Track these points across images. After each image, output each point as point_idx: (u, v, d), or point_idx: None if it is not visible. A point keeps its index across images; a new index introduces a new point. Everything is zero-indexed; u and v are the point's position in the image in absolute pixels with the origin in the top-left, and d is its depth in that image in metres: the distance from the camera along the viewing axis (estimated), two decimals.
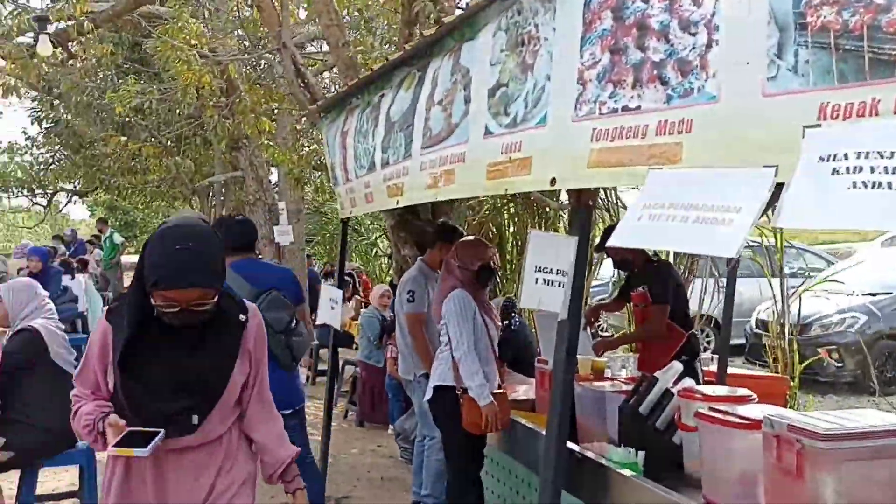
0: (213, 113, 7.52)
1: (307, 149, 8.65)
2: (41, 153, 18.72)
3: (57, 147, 18.31)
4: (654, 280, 4.67)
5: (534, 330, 5.51)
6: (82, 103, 8.27)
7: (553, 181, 2.23)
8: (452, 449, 4.00)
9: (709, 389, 3.07)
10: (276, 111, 8.74)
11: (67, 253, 14.62)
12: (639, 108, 1.94)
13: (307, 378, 9.68)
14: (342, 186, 4.54)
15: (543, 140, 2.27)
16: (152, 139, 10.32)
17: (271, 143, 7.90)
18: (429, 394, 4.01)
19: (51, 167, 18.41)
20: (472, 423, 3.72)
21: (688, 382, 3.35)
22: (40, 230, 34.50)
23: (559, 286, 2.51)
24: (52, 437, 3.84)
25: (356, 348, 9.17)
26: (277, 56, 6.35)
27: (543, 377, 4.92)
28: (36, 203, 20.40)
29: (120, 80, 8.33)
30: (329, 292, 4.93)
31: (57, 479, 4.82)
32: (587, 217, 2.47)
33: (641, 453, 3.09)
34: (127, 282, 19.44)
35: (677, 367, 3.43)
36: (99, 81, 8.47)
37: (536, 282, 2.65)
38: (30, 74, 6.39)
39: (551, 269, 2.67)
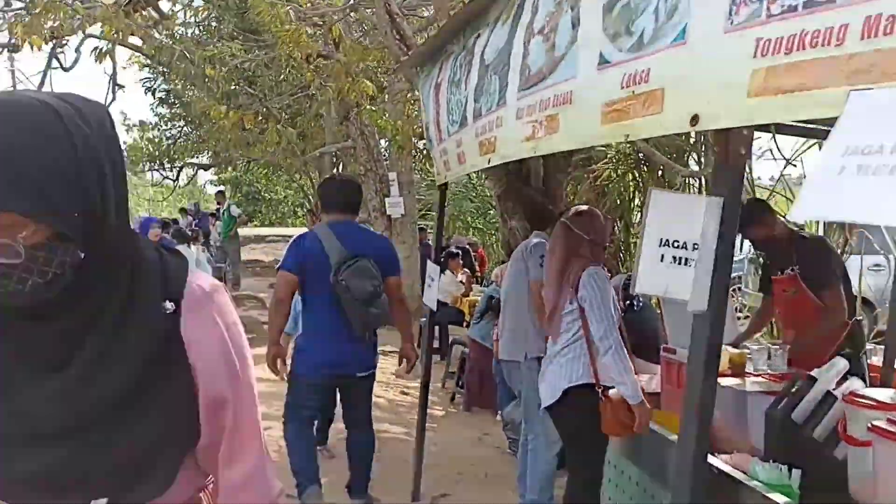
0: (312, 77, 7.11)
1: (415, 115, 8.13)
2: (167, 129, 19.27)
3: (182, 124, 18.81)
4: (809, 258, 3.87)
5: (659, 312, 4.81)
6: (187, 72, 8.07)
7: (695, 120, 1.58)
8: (582, 455, 3.40)
9: (884, 394, 2.35)
10: (382, 74, 8.26)
11: (195, 224, 14.96)
12: (833, 0, 1.27)
13: (417, 356, 9.32)
14: (436, 148, 3.99)
15: (681, 63, 1.62)
16: (263, 109, 10.11)
17: (374, 109, 7.42)
18: (555, 394, 3.35)
19: (178, 141, 18.88)
20: (617, 426, 3.13)
21: (855, 383, 2.63)
22: (176, 202, 36.15)
23: (692, 265, 1.83)
24: None
25: (467, 326, 8.71)
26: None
27: (671, 369, 4.23)
28: (167, 177, 21.07)
29: (224, 48, 8.10)
30: (430, 268, 4.42)
31: None
32: (738, 172, 1.79)
33: (796, 472, 2.41)
34: (245, 254, 19.85)
35: (841, 364, 2.73)
36: (203, 49, 8.27)
37: (662, 259, 1.94)
38: (122, 35, 6.17)
39: (682, 244, 1.95)
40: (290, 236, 26.60)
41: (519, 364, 4.23)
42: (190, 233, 11.63)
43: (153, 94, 10.03)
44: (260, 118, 10.42)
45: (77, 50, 10.04)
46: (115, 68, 11.63)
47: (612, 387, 3.18)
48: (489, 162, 3.04)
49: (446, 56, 3.58)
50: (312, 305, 3.88)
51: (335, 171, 12.82)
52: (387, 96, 8.92)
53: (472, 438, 5.89)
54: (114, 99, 11.61)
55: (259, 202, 31.93)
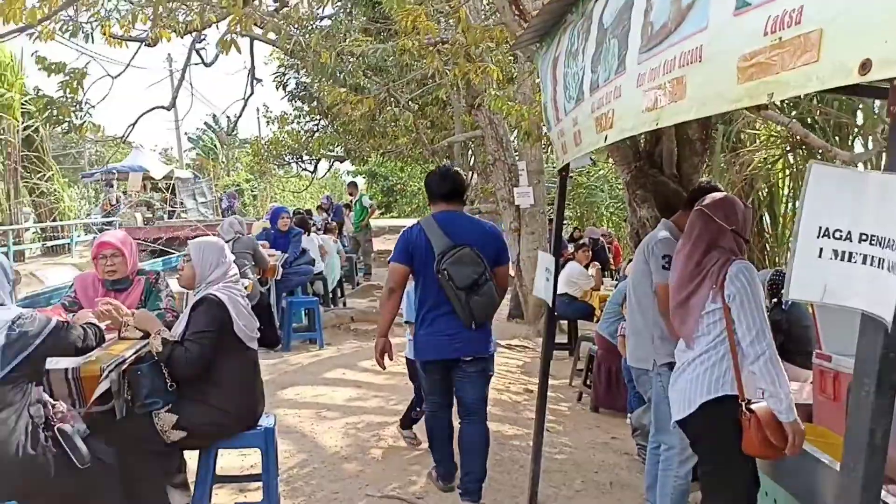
0: (432, 59, 6.91)
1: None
2: (305, 123, 19.81)
3: (318, 117, 19.27)
4: None
5: (811, 311, 4.25)
6: (316, 65, 8.10)
7: (865, 67, 1.19)
8: (721, 476, 2.93)
9: None
10: (510, 62, 7.94)
11: (329, 218, 15.29)
12: None
13: None
14: (554, 130, 3.66)
15: None
16: (392, 100, 10.08)
17: (499, 95, 7.13)
18: (689, 406, 2.91)
19: (315, 134, 19.36)
20: (762, 446, 2.67)
21: None
22: (319, 193, 37.37)
23: (868, 263, 1.42)
24: (228, 419, 3.45)
25: (597, 321, 8.30)
26: None
27: (825, 378, 3.73)
28: (305, 169, 21.72)
29: (354, 40, 8.08)
30: (543, 260, 4.09)
31: (240, 458, 4.54)
32: None
33: None
34: (379, 244, 20.11)
35: None
36: (333, 42, 8.29)
37: (820, 254, 1.51)
38: (243, 26, 6.20)
39: (846, 234, 1.51)
40: None
41: (647, 371, 3.83)
42: (325, 227, 11.85)
43: (284, 88, 10.24)
44: (389, 108, 10.44)
45: (218, 45, 10.22)
46: (253, 62, 11.95)
47: (759, 399, 2.74)
48: (605, 140, 2.68)
49: (564, 27, 3.24)
50: (422, 294, 3.99)
51: (464, 160, 12.67)
52: (515, 83, 8.58)
53: (598, 442, 5.51)
54: (252, 93, 11.92)
55: (394, 194, 32.49)
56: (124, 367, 3.36)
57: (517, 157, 11.13)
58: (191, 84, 28.81)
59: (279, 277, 7.69)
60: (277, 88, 10.58)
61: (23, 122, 18.05)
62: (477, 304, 3.84)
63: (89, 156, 37.76)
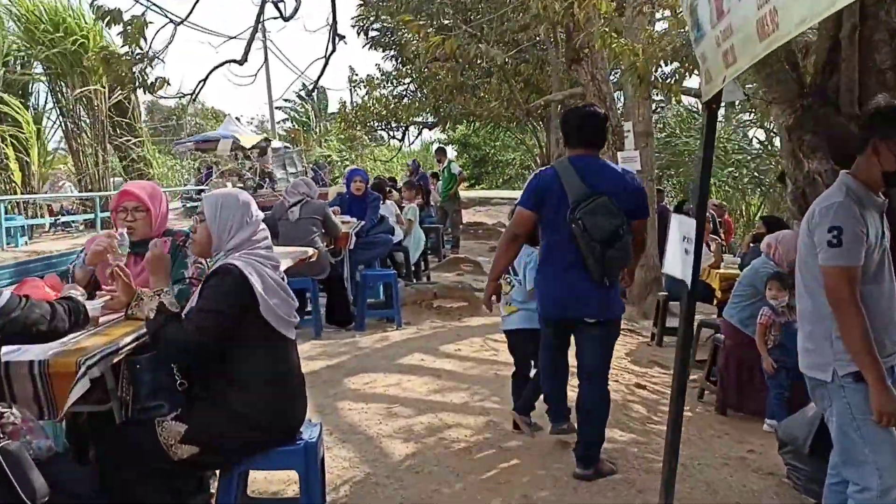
0: None
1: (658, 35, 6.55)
2: (394, 88, 19.04)
3: (408, 81, 18.45)
4: None
5: None
6: (398, 3, 7.18)
7: None
8: None
9: None
10: None
11: (416, 181, 14.41)
12: None
13: (652, 336, 7.87)
14: (702, 44, 2.57)
15: None
16: (481, 48, 9.04)
17: (606, 30, 6.00)
18: None
19: (404, 100, 18.58)
20: None
21: None
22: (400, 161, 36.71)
23: None
24: (255, 431, 2.57)
25: (717, 305, 7.18)
26: None
27: None
28: (394, 137, 20.95)
29: None
30: (681, 225, 3.02)
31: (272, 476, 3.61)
32: None
33: None
34: (469, 216, 19.18)
35: None
36: None
37: None
38: None
39: None
40: (515, 199, 26.07)
41: (825, 384, 2.72)
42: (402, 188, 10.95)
43: (366, 34, 9.36)
44: (479, 61, 9.43)
45: None
46: (335, 15, 11.08)
47: None
48: (767, 48, 1.67)
49: None
50: (549, 244, 3.73)
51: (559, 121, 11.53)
52: (624, 17, 7.39)
53: (732, 457, 4.40)
54: (333, 50, 11.03)
55: (485, 164, 31.41)
56: (116, 358, 2.52)
57: (622, 117, 9.97)
58: (264, 36, 28.27)
59: (352, 247, 6.85)
60: (358, 34, 9.72)
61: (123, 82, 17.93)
62: (613, 258, 3.55)
63: (188, 128, 38.40)
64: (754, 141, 14.44)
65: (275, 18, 9.69)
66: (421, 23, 6.51)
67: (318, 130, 39.76)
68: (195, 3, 7.26)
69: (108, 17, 6.37)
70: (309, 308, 6.49)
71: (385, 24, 9.04)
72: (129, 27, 6.55)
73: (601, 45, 5.75)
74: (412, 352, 6.08)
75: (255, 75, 9.02)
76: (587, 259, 3.56)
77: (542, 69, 10.72)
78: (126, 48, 6.90)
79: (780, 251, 5.21)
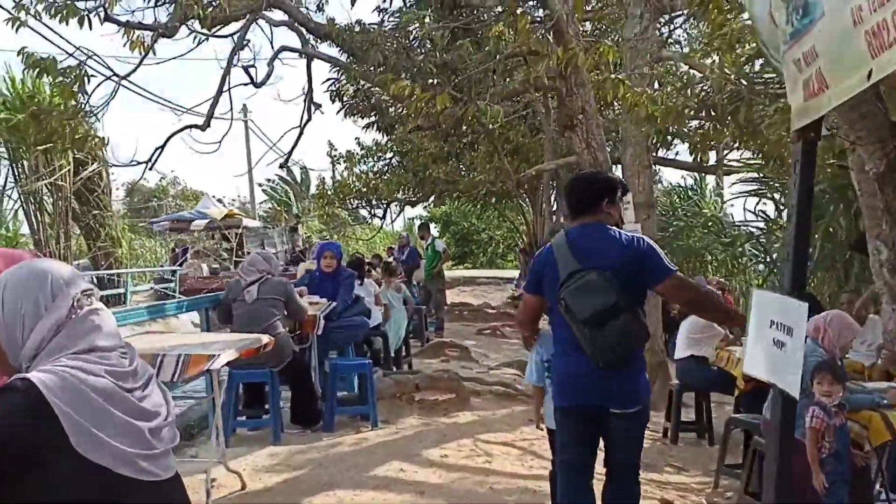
0: (527, 36, 5.09)
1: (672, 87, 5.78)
2: (374, 164, 18.39)
3: (390, 155, 17.81)
4: None
5: None
6: (376, 60, 6.42)
7: None
8: None
9: None
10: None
11: (401, 260, 13.52)
12: None
13: (664, 432, 6.85)
14: (811, 34, 1.71)
15: None
16: (469, 115, 8.30)
17: (619, 77, 5.21)
18: None
19: (384, 176, 17.89)
20: None
21: None
22: (391, 242, 35.85)
23: None
24: None
25: (738, 395, 6.27)
26: None
27: None
28: (374, 215, 20.13)
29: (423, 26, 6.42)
30: (767, 307, 2.10)
31: None
32: None
33: None
34: (454, 296, 18.26)
35: None
36: (402, 39, 6.67)
37: None
38: None
39: None
40: (501, 279, 24.99)
41: None
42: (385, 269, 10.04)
43: (340, 98, 8.67)
44: (466, 128, 8.70)
45: (269, 63, 8.63)
46: (310, 83, 10.37)
47: None
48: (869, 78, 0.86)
49: None
50: (555, 327, 3.47)
51: (553, 192, 10.73)
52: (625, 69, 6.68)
53: None
54: (309, 119, 10.30)
55: (469, 242, 30.67)
56: None
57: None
58: (245, 115, 27.82)
59: (321, 332, 5.87)
60: (332, 101, 9.00)
61: (90, 161, 17.13)
62: (605, 342, 3.14)
63: (168, 209, 37.68)
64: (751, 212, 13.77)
65: (245, 85, 8.82)
66: (405, 83, 5.70)
67: (298, 210, 39.18)
68: (141, 59, 6.47)
69: (40, 68, 5.52)
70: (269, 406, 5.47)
71: (360, 88, 8.41)
72: (65, 79, 5.72)
73: (612, 97, 4.95)
74: (390, 459, 5.03)
75: (220, 142, 8.18)
76: (581, 342, 3.21)
77: (533, 136, 10.04)
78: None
79: (831, 335, 4.30)
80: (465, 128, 9.18)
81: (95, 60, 6.03)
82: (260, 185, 43.99)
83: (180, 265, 23.82)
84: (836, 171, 7.18)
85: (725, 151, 11.21)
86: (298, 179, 42.62)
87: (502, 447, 5.58)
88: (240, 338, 4.17)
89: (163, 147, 8.05)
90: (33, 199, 16.10)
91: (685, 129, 7.40)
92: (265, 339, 4.32)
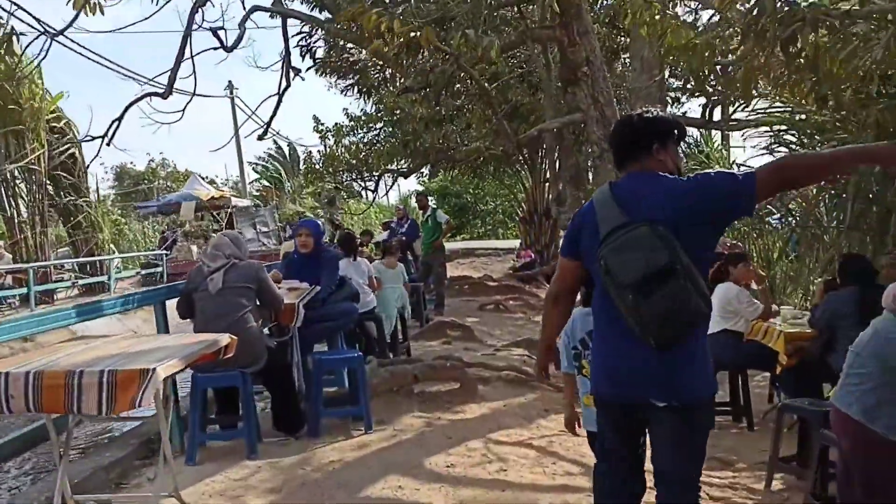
0: None
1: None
2: (365, 134, 17.49)
3: (379, 125, 16.92)
4: None
5: None
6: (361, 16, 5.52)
7: None
8: None
9: None
10: None
11: (400, 232, 12.67)
12: None
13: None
14: None
15: None
16: (457, 71, 7.42)
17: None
18: None
19: (374, 147, 17.00)
20: None
21: None
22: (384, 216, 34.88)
23: None
24: None
25: (779, 372, 5.50)
26: None
27: None
28: (365, 188, 19.23)
29: None
30: None
31: None
32: None
33: None
34: (451, 270, 17.45)
35: None
36: None
37: None
38: None
39: None
40: (501, 250, 24.18)
41: None
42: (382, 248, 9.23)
43: (312, 55, 7.76)
44: (459, 88, 7.82)
45: (241, 25, 7.72)
46: (287, 46, 9.45)
47: None
48: None
49: None
50: (594, 299, 2.75)
51: (556, 156, 9.80)
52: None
53: None
54: (288, 86, 9.41)
55: (466, 213, 29.78)
56: None
57: None
58: (231, 92, 26.87)
59: (301, 323, 5.04)
60: (302, 57, 8.10)
61: (61, 141, 16.19)
62: (648, 312, 2.42)
63: (159, 192, 36.79)
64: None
65: (214, 49, 7.93)
66: (378, 16, 4.77)
67: (291, 187, 38.31)
68: (75, 16, 5.58)
69: None
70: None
71: (335, 44, 7.49)
72: None
73: (635, 22, 4.07)
74: (386, 472, 4.23)
75: (183, 111, 7.30)
76: (624, 314, 2.52)
77: (532, 95, 9.15)
78: None
79: None
80: (458, 86, 8.31)
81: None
82: (251, 163, 43.06)
83: (168, 249, 23.04)
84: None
85: (738, 105, 10.36)
86: (288, 156, 41.68)
87: (518, 449, 4.79)
88: (188, 341, 3.35)
89: (120, 119, 7.18)
90: (5, 185, 15.22)
91: (717, 69, 6.49)
92: (224, 339, 3.49)
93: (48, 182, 16.33)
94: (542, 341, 3.09)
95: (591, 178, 9.88)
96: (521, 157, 14.62)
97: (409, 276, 10.37)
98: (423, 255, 12.00)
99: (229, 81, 33.34)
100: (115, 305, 4.41)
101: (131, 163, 47.86)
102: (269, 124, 10.16)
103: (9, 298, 14.78)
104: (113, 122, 7.07)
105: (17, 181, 15.32)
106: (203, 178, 38.72)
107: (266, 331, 5.00)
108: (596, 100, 8.29)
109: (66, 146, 16.33)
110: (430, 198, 22.29)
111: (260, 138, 9.73)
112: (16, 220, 14.93)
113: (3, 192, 15.18)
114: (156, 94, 7.12)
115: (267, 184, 41.40)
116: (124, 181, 46.17)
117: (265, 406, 5.51)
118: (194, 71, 7.49)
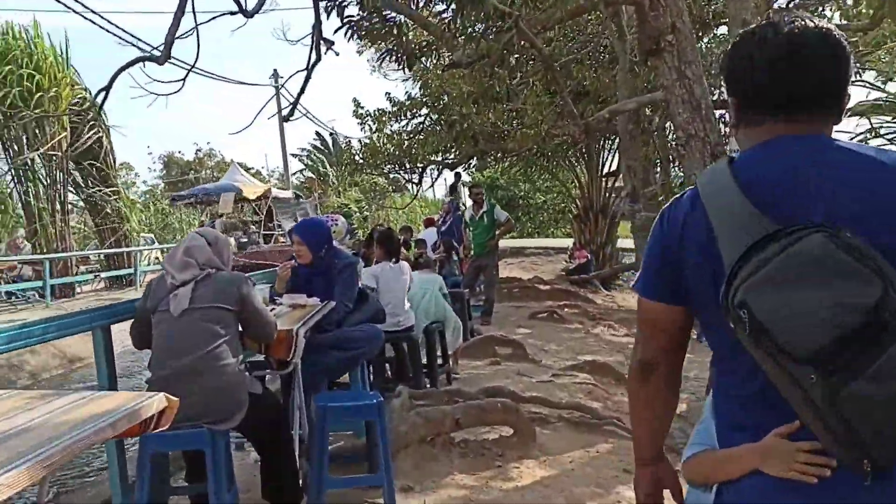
0: None
1: None
2: (408, 120, 16.16)
3: (425, 111, 15.61)
4: None
5: None
6: None
7: None
8: None
9: None
10: None
11: (441, 231, 11.34)
12: None
13: None
14: None
15: None
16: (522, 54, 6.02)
17: None
18: None
19: (418, 136, 15.68)
20: None
21: None
22: (423, 210, 33.55)
23: None
24: None
25: None
26: None
27: None
28: (409, 180, 17.93)
29: None
30: None
31: None
32: None
33: None
34: (500, 271, 16.05)
35: None
36: None
37: None
38: None
39: None
40: (552, 248, 22.77)
41: None
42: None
43: (339, 13, 6.50)
44: (517, 59, 6.44)
45: None
46: (317, 14, 8.16)
47: None
48: None
49: None
50: (717, 373, 1.48)
51: (630, 139, 8.28)
52: None
53: None
54: (318, 59, 8.12)
55: (515, 209, 28.26)
56: None
57: (726, 132, 6.88)
58: (276, 81, 25.83)
59: (301, 355, 3.69)
60: (328, 14, 6.83)
61: (86, 127, 15.24)
62: (861, 405, 1.14)
63: (203, 182, 36.25)
64: None
65: (233, 14, 6.66)
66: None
67: (335, 181, 37.42)
68: None
69: None
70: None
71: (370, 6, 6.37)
72: None
73: None
74: None
75: (183, 80, 6.06)
76: (801, 412, 1.22)
77: (604, 71, 7.69)
78: None
79: None
80: (515, 58, 6.92)
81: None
82: (294, 154, 42.27)
83: None
84: None
85: None
86: (332, 147, 40.79)
87: None
88: (96, 408, 2.04)
89: (109, 85, 5.95)
90: (23, 171, 14.28)
91: None
92: (153, 406, 2.17)
93: (73, 168, 15.38)
94: (640, 454, 1.70)
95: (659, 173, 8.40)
96: (580, 148, 13.13)
97: (452, 279, 9.01)
98: (475, 256, 10.53)
99: (274, 70, 32.44)
100: (48, 330, 3.13)
101: (179, 152, 47.70)
102: (296, 102, 8.88)
103: (27, 292, 13.86)
104: (100, 90, 5.85)
105: (38, 167, 14.36)
106: (247, 170, 38.10)
107: (256, 359, 3.68)
108: (683, 74, 6.78)
109: (91, 131, 15.35)
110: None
111: (286, 119, 8.55)
112: (35, 208, 13.96)
113: (23, 178, 14.22)
114: (151, 58, 5.87)
115: (311, 175, 40.65)
116: (172, 170, 45.93)
117: (258, 459, 4.20)
118: (198, 34, 6.23)
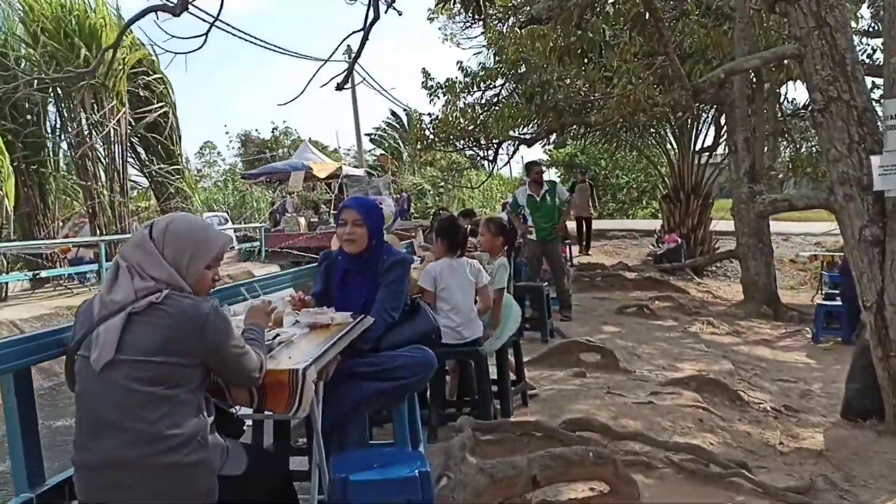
0: None
1: None
2: (484, 92, 14.91)
3: (501, 81, 14.38)
4: None
5: None
6: None
7: None
8: None
9: None
10: None
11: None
12: None
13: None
14: None
15: None
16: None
17: None
18: None
19: (493, 109, 14.43)
20: None
21: None
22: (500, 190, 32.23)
23: None
24: None
25: None
26: None
27: None
28: (484, 157, 16.67)
29: None
30: None
31: None
32: None
33: None
34: (579, 256, 14.68)
35: None
36: None
37: None
38: None
39: None
40: (637, 231, 21.22)
41: None
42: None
43: None
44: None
45: None
46: None
47: None
48: None
49: None
50: None
51: (751, 110, 6.82)
52: None
53: None
54: (376, 18, 7.06)
55: (596, 188, 26.73)
56: None
57: (882, 96, 5.46)
58: (351, 58, 24.76)
59: (304, 408, 2.60)
60: None
61: (155, 103, 14.65)
62: None
63: (279, 159, 35.95)
64: None
65: None
66: None
67: (410, 157, 36.57)
68: None
69: None
70: None
71: None
72: None
73: None
74: None
75: (206, 35, 5.04)
76: None
77: (715, 26, 6.32)
78: None
79: None
80: (607, 8, 5.62)
81: None
82: (367, 134, 41.59)
83: (277, 222, 21.64)
84: None
85: None
86: (407, 125, 39.96)
87: None
88: None
89: (115, 45, 4.97)
90: (84, 148, 13.74)
91: None
92: None
93: (136, 144, 14.78)
94: None
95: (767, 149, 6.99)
96: (672, 120, 11.63)
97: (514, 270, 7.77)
98: (539, 242, 9.23)
99: (348, 46, 31.62)
100: None
101: (255, 130, 47.86)
102: (351, 67, 7.82)
103: (87, 274, 13.35)
104: (106, 48, 4.88)
105: (98, 143, 13.80)
106: (323, 148, 37.61)
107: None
108: (823, 21, 5.40)
109: (157, 106, 14.71)
110: (553, 170, 19.47)
111: (339, 87, 7.44)
112: (93, 188, 13.39)
113: (84, 155, 13.68)
114: (165, 8, 4.86)
115: (383, 152, 39.93)
116: (249, 149, 46.00)
117: None
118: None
